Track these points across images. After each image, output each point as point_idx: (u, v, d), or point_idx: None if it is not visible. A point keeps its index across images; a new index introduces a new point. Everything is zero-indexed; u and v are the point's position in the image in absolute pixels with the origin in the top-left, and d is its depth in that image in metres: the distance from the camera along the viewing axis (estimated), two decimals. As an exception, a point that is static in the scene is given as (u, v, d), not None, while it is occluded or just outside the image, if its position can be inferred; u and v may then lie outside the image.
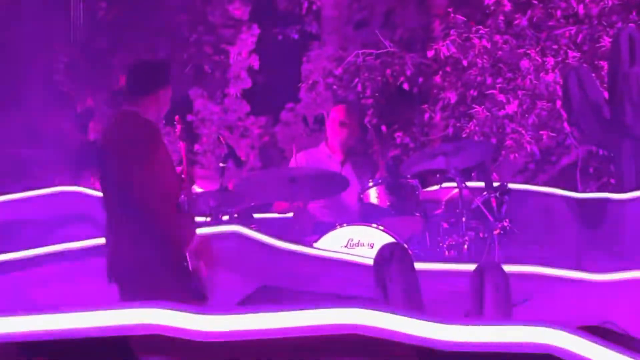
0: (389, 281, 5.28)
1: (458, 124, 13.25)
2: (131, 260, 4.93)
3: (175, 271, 4.86)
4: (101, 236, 5.29)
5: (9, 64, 11.43)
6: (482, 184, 6.95)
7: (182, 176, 5.19)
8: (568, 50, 12.67)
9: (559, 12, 12.89)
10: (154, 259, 4.86)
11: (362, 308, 2.98)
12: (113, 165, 5.01)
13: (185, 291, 4.82)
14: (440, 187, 7.14)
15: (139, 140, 4.99)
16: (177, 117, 5.55)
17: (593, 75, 9.57)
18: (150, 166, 4.91)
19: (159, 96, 5.14)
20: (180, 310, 2.97)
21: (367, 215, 6.87)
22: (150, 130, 5.04)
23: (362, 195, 6.95)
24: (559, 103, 11.98)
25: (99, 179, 5.30)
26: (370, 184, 6.94)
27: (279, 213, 7.46)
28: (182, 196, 5.09)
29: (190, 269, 4.89)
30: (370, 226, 6.58)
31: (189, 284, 4.87)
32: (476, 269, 5.49)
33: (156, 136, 5.05)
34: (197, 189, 7.28)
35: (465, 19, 13.06)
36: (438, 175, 7.20)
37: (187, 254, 4.91)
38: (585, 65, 11.26)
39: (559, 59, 12.56)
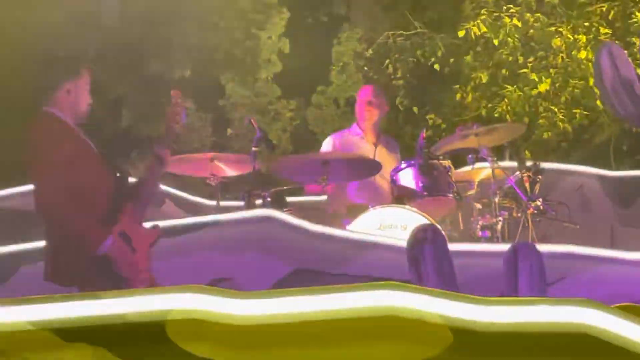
0: (423, 263, 5.28)
1: (490, 104, 13.20)
2: (53, 261, 4.91)
3: (91, 269, 4.79)
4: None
5: (41, 52, 11.50)
6: (514, 164, 6.92)
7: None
8: (599, 27, 12.59)
9: (591, -11, 12.81)
10: (69, 257, 4.83)
11: (396, 290, 2.99)
12: (26, 166, 4.98)
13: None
14: (473, 168, 7.12)
15: (38, 141, 4.91)
16: (174, 92, 5.38)
17: (625, 52, 9.49)
18: (42, 165, 4.83)
19: (70, 91, 5.01)
20: (217, 294, 2.99)
21: (400, 196, 6.87)
22: (50, 128, 4.93)
23: (394, 177, 6.94)
24: (591, 81, 11.91)
25: None
26: (403, 165, 6.93)
27: (314, 196, 7.47)
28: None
29: (108, 270, 4.77)
30: (403, 208, 6.58)
31: (106, 283, 4.68)
32: (510, 249, 5.48)
33: (59, 134, 4.91)
34: (230, 172, 7.31)
35: (495, -3, 13.01)
36: (470, 156, 7.18)
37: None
38: (617, 42, 11.18)
39: (591, 36, 12.48)
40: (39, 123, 4.99)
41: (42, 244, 6.03)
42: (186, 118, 5.30)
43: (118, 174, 5.04)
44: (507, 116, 12.52)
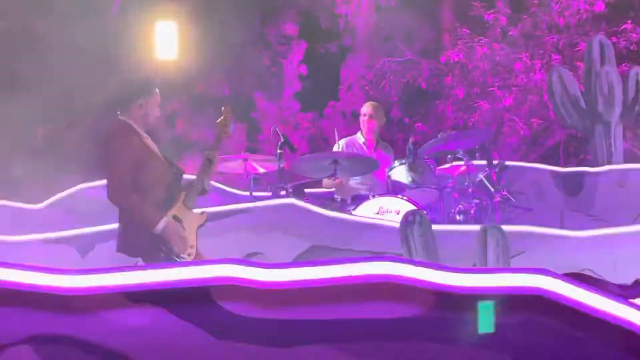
0: (412, 240, 5.27)
1: (465, 116, 13.16)
2: (123, 237, 4.91)
3: (148, 244, 4.77)
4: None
5: (115, 73, 11.53)
6: (484, 162, 6.89)
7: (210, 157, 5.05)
8: (552, 54, 12.54)
9: (544, 24, 12.75)
10: (133, 234, 4.83)
11: (390, 261, 2.98)
12: (102, 160, 4.99)
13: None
14: (451, 165, 7.09)
15: (111, 140, 4.91)
16: (225, 108, 5.34)
17: (572, 74, 9.44)
18: (113, 159, 4.83)
19: (140, 105, 4.98)
20: (250, 265, 2.98)
21: (393, 188, 6.85)
22: (122, 131, 4.91)
23: (389, 173, 6.92)
24: (545, 96, 11.86)
25: None
26: (396, 164, 6.90)
27: (326, 188, 7.45)
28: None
29: (162, 246, 4.74)
30: (397, 197, 6.56)
31: (159, 255, 4.74)
32: (481, 229, 5.46)
33: (126, 136, 4.89)
34: (260, 169, 7.30)
35: (469, 31, 12.96)
36: (449, 156, 7.15)
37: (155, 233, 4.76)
38: (565, 66, 11.13)
39: (545, 61, 12.43)
40: (114, 128, 5.00)
41: (113, 226, 6.08)
42: (230, 114, 5.27)
43: (175, 171, 5.05)
44: (479, 124, 12.48)
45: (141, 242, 4.79)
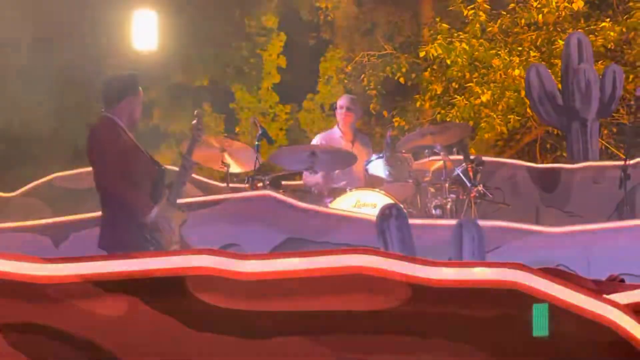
0: (388, 234, 5.28)
1: (443, 111, 13.19)
2: (108, 233, 4.89)
3: (136, 238, 4.77)
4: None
5: (91, 64, 11.44)
6: (461, 157, 6.91)
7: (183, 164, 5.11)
8: (530, 51, 12.59)
9: (522, 21, 12.80)
10: (120, 229, 4.82)
11: (367, 254, 2.98)
12: (89, 156, 5.01)
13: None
14: (428, 160, 7.10)
15: (99, 137, 4.92)
16: (197, 112, 5.46)
17: (549, 70, 9.49)
18: (102, 153, 4.83)
19: (128, 103, 5.01)
20: (225, 256, 2.98)
21: (371, 181, 6.85)
22: (109, 127, 4.93)
23: (367, 167, 6.93)
24: (522, 93, 11.91)
25: None
26: (374, 157, 6.91)
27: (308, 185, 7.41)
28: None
29: (150, 238, 4.76)
30: (374, 190, 6.57)
31: (145, 247, 4.74)
32: (457, 223, 5.47)
33: (114, 131, 4.92)
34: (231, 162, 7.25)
35: (448, 26, 12.98)
36: (427, 151, 7.17)
37: (147, 225, 4.78)
38: (543, 63, 11.18)
39: (523, 58, 12.48)
40: (100, 124, 5.01)
41: (88, 215, 6.04)
42: (203, 119, 5.35)
43: (158, 168, 5.06)
44: (457, 120, 12.51)
45: (129, 235, 4.75)
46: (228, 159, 6.97)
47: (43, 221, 6.32)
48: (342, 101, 7.67)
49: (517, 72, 12.33)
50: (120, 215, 4.81)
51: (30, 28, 10.74)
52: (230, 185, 7.21)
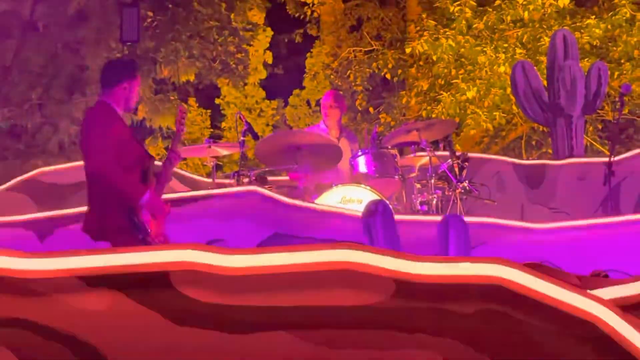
0: (374, 229, 5.28)
1: (429, 107, 13.22)
2: (95, 216, 4.86)
3: (121, 221, 4.76)
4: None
5: (75, 58, 11.39)
6: (447, 153, 6.93)
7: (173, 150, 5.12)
8: (515, 48, 12.63)
9: (508, 18, 12.83)
10: (109, 213, 4.79)
11: (352, 250, 2.98)
12: (82, 140, 4.99)
13: (134, 240, 4.70)
14: (414, 156, 7.12)
15: (95, 120, 4.90)
16: (181, 106, 5.49)
17: (535, 67, 9.52)
18: (99, 137, 4.80)
19: (124, 87, 4.99)
20: (210, 251, 2.97)
21: (357, 177, 6.85)
22: (106, 112, 4.92)
23: (353, 162, 6.93)
24: (508, 90, 11.95)
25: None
26: (360, 153, 6.91)
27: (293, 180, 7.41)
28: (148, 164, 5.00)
29: (139, 223, 4.77)
30: (360, 186, 6.56)
31: (136, 234, 4.75)
32: (442, 219, 5.49)
33: (111, 117, 4.91)
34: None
35: (435, 23, 13.00)
36: (413, 147, 7.18)
37: (137, 210, 4.78)
38: (529, 59, 11.22)
39: (508, 54, 12.51)
40: (97, 108, 5.00)
41: (73, 211, 6.02)
42: (188, 114, 5.34)
43: (149, 157, 5.06)
44: (442, 116, 12.54)
45: (117, 219, 4.73)
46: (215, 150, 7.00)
47: (27, 216, 6.30)
48: (327, 97, 7.66)
49: (502, 68, 12.37)
50: (110, 198, 4.78)
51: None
52: (216, 180, 7.21)
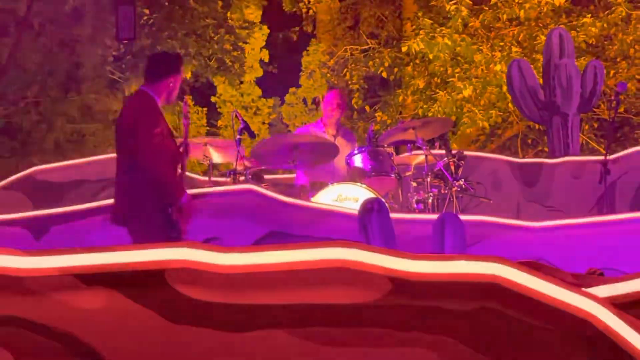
0: (370, 228, 5.28)
1: (425, 105, 13.22)
2: (131, 206, 4.85)
3: (160, 217, 4.77)
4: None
5: (71, 56, 11.38)
6: (443, 151, 6.93)
7: (181, 148, 5.10)
8: (512, 46, 12.64)
9: (504, 16, 12.84)
10: (147, 204, 4.78)
11: (348, 248, 2.98)
12: (124, 129, 4.93)
13: (165, 236, 4.71)
14: (411, 154, 7.12)
15: (143, 113, 4.88)
16: (185, 99, 5.48)
17: (531, 66, 9.53)
18: (150, 132, 4.79)
19: (170, 82, 4.99)
20: (206, 249, 2.97)
21: (353, 175, 6.85)
22: (152, 105, 4.92)
23: (349, 160, 6.92)
24: (504, 88, 11.96)
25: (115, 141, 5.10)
26: (356, 151, 6.90)
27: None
28: (179, 163, 5.02)
29: (174, 221, 4.78)
30: (356, 184, 6.56)
31: (169, 230, 4.76)
32: (438, 218, 5.49)
33: (156, 111, 4.92)
34: (219, 155, 7.25)
35: (431, 21, 13.00)
36: (409, 145, 7.18)
37: (172, 207, 4.79)
38: (525, 58, 11.22)
39: (505, 53, 12.52)
40: (143, 99, 4.96)
41: (68, 209, 6.01)
42: (188, 107, 5.38)
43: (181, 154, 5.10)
44: (438, 115, 12.54)
45: (153, 216, 4.71)
46: (212, 151, 6.97)
47: (23, 214, 6.28)
48: (333, 96, 7.60)
49: (498, 67, 12.37)
50: (150, 193, 4.75)
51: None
52: (212, 179, 7.20)
